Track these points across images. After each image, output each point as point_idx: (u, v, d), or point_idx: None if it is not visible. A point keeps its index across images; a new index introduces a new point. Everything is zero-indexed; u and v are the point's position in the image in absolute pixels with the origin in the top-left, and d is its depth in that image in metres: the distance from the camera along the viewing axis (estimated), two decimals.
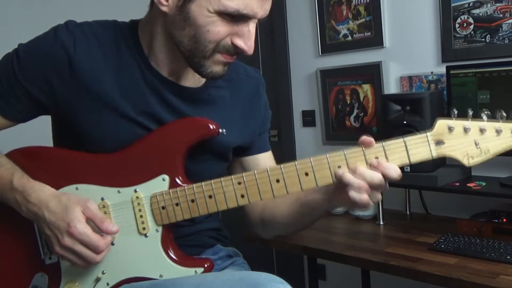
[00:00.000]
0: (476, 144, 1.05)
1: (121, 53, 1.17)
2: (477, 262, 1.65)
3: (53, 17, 1.31)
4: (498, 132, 1.04)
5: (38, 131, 1.38)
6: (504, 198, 1.91)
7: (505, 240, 1.74)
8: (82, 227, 1.08)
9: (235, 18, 1.06)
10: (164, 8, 1.08)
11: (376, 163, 1.05)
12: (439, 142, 1.06)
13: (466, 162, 1.06)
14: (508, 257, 1.63)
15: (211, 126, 1.15)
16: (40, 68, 1.14)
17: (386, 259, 1.77)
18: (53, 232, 1.10)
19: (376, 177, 1.04)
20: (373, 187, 1.05)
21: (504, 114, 1.04)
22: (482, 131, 1.04)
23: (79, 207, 1.10)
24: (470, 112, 1.06)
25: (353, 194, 1.05)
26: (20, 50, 1.16)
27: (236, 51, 1.11)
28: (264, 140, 1.36)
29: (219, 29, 1.07)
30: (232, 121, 1.25)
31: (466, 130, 1.05)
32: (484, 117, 1.05)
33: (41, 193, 1.12)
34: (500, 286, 1.49)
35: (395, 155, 1.06)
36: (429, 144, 1.06)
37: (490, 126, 1.04)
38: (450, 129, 1.05)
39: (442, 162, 2.12)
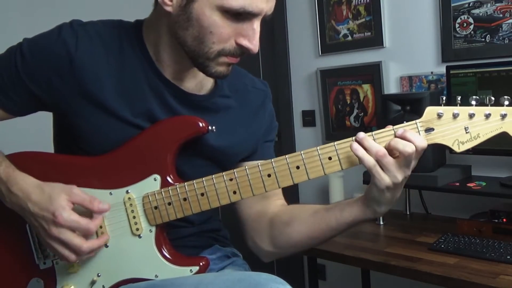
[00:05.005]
0: (465, 129, 1.05)
1: (125, 54, 1.16)
2: (477, 262, 1.64)
3: (56, 17, 1.30)
4: (487, 116, 1.03)
5: (38, 131, 1.38)
6: (504, 198, 1.90)
7: (505, 240, 1.74)
8: (67, 215, 1.07)
9: (240, 16, 1.04)
10: (168, 8, 1.07)
11: (400, 132, 1.04)
12: (428, 129, 1.06)
13: (456, 148, 1.06)
14: (508, 257, 1.62)
15: (200, 124, 1.14)
16: (41, 65, 1.13)
17: (386, 259, 1.76)
18: (40, 223, 1.09)
19: (407, 144, 1.02)
20: (402, 156, 1.03)
21: (492, 98, 1.04)
22: (471, 116, 1.04)
23: (64, 195, 1.09)
24: (458, 98, 1.06)
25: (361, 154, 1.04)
26: (24, 45, 1.16)
27: (241, 51, 1.09)
28: (268, 148, 1.34)
29: (222, 30, 1.05)
30: (234, 131, 1.24)
31: (455, 115, 1.05)
32: (473, 102, 1.05)
33: (23, 183, 1.11)
34: (500, 286, 1.48)
35: (385, 143, 1.05)
36: (419, 131, 1.06)
37: (479, 110, 1.04)
38: (439, 115, 1.05)
39: (442, 162, 2.11)
